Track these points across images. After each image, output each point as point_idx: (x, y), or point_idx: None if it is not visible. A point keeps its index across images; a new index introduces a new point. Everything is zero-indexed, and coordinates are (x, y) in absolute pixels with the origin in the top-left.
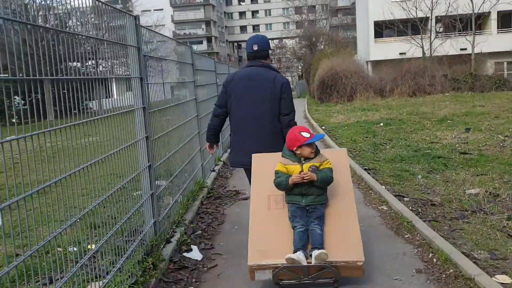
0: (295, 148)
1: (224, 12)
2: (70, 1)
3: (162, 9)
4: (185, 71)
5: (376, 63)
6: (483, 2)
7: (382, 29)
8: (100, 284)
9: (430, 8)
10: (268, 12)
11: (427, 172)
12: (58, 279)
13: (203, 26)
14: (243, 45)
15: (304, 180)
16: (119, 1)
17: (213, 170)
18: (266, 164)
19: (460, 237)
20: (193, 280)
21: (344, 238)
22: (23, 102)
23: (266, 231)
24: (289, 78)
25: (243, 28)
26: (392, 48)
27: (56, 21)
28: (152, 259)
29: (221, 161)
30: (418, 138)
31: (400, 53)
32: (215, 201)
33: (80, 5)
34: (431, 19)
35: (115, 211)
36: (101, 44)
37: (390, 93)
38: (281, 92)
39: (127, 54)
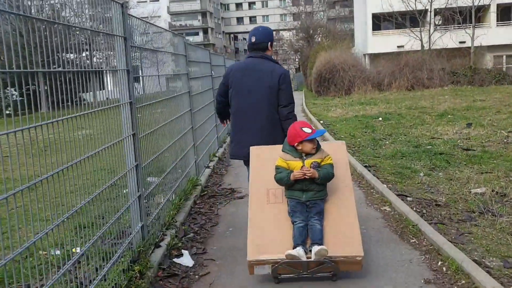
0: (296, 143)
1: (221, 3)
2: None
3: (158, 0)
4: (177, 63)
5: (374, 56)
6: None
7: (380, 21)
8: None
9: (430, 0)
10: (265, 4)
11: (429, 170)
12: None
13: (199, 18)
14: (240, 36)
15: (306, 177)
16: None
17: (208, 167)
18: (264, 157)
19: (470, 242)
20: None
21: (343, 233)
22: (15, 94)
23: (265, 225)
24: None
25: (239, 20)
26: (390, 41)
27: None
28: (139, 267)
29: (216, 156)
30: (418, 133)
31: (398, 46)
32: (209, 200)
33: None
34: (430, 12)
35: (103, 210)
36: (83, 34)
37: (388, 87)
38: (280, 83)
39: (113, 45)
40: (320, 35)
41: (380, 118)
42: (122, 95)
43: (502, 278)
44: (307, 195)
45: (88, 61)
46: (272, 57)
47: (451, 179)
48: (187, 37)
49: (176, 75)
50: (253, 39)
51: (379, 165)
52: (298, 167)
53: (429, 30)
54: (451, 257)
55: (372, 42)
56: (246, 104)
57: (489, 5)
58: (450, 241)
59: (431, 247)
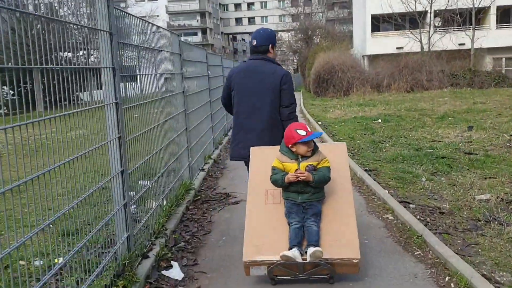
0: (290, 145)
1: (220, 4)
2: None
3: (157, 0)
4: (171, 61)
5: (373, 58)
6: None
7: (379, 22)
8: None
9: (430, 2)
10: (263, 4)
11: (431, 174)
12: None
13: (198, 18)
14: (238, 37)
15: (299, 179)
16: None
17: (202, 169)
18: (265, 158)
19: (477, 254)
20: None
21: (340, 235)
22: (11, 92)
23: (262, 226)
24: None
25: (238, 20)
26: (389, 43)
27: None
28: (124, 281)
29: (211, 159)
30: (418, 136)
31: (397, 48)
32: (202, 205)
33: None
34: (430, 13)
35: (91, 215)
36: (63, 27)
37: (387, 88)
38: (281, 83)
39: (96, 41)
40: (319, 36)
41: (380, 120)
42: (107, 95)
43: None
44: (303, 197)
45: (81, 60)
46: (276, 58)
47: (454, 185)
48: (185, 37)
49: (170, 75)
50: (254, 42)
51: (380, 169)
52: (294, 169)
53: (429, 32)
54: (460, 272)
55: (371, 44)
56: (248, 105)
57: (489, 7)
58: (456, 253)
59: (437, 260)
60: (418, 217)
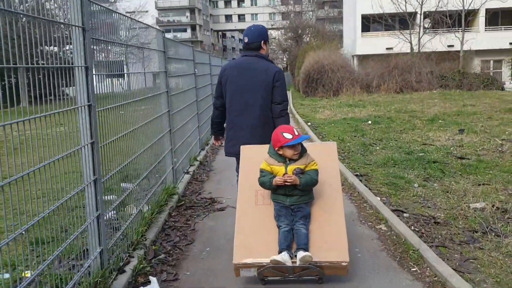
0: (277, 148)
1: (209, 0)
2: None
3: None
4: (154, 59)
5: (363, 58)
6: None
7: (369, 23)
8: None
9: (420, 3)
10: (254, 2)
11: (424, 180)
12: None
13: (187, 14)
14: (228, 34)
15: (286, 183)
16: None
17: (187, 172)
18: (255, 157)
19: (477, 271)
20: None
21: (329, 238)
22: None
23: (252, 228)
24: None
25: (228, 17)
26: (379, 43)
27: None
28: None
29: (197, 160)
30: (409, 138)
31: (387, 48)
32: (186, 212)
33: None
34: (421, 14)
35: (67, 221)
36: (29, 22)
37: (376, 89)
38: (274, 80)
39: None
40: (309, 35)
41: (370, 122)
42: (79, 96)
43: None
44: (291, 200)
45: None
46: (268, 54)
47: (447, 191)
48: (174, 34)
49: (151, 74)
50: (246, 40)
51: (371, 174)
52: (281, 172)
53: (419, 33)
54: None
55: (361, 43)
56: (240, 102)
57: (478, 10)
58: (455, 269)
59: (436, 278)
60: (412, 227)
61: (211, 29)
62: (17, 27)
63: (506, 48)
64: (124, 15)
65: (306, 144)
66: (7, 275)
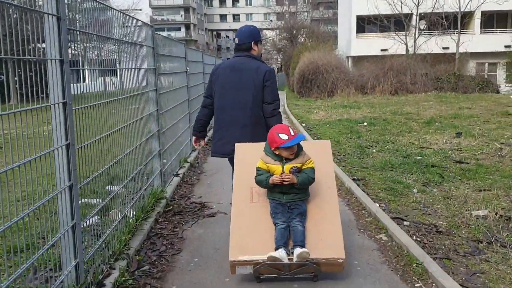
0: (273, 148)
1: (204, 0)
2: None
3: None
4: (141, 56)
5: (357, 59)
6: (470, 0)
7: (365, 23)
8: None
9: (416, 4)
10: (249, 2)
11: (423, 185)
12: None
13: (182, 13)
14: (223, 34)
15: (284, 183)
16: None
17: (177, 175)
18: (249, 155)
19: (485, 286)
20: None
21: (325, 235)
22: None
23: (247, 225)
24: None
25: (223, 17)
26: (374, 44)
27: None
28: None
29: (187, 162)
30: (406, 141)
31: (382, 50)
32: (174, 217)
33: None
34: (417, 15)
35: (47, 227)
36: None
37: (371, 90)
38: (264, 80)
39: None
40: (304, 36)
41: (365, 123)
42: (53, 92)
43: None
44: (288, 197)
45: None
46: (261, 53)
47: (447, 197)
48: (168, 32)
49: (136, 70)
50: (237, 41)
51: (368, 178)
52: (278, 171)
53: (415, 34)
54: None
55: (356, 45)
56: (231, 101)
57: (474, 12)
58: (461, 285)
59: None
60: (414, 237)
61: (206, 29)
62: None
63: (501, 51)
64: (103, 4)
65: (300, 143)
66: None
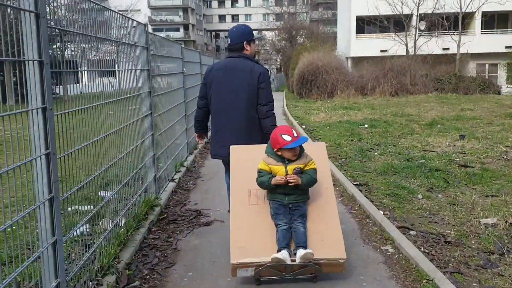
0: (276, 149)
1: (203, 0)
2: None
3: None
4: (133, 56)
5: (357, 60)
6: (471, 1)
7: (364, 24)
8: None
9: (417, 4)
10: (248, 2)
11: (427, 190)
12: None
13: (180, 13)
14: (222, 34)
15: (289, 184)
16: None
17: (172, 180)
18: (245, 157)
19: None
20: None
21: (326, 235)
22: None
23: (247, 227)
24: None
25: (221, 17)
26: (374, 45)
27: None
28: None
29: (184, 166)
30: (408, 144)
31: (382, 51)
32: (168, 226)
33: None
34: (417, 16)
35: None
36: None
37: (371, 91)
38: (259, 81)
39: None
40: (303, 36)
41: (366, 125)
42: (31, 97)
43: None
44: (290, 198)
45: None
46: (255, 53)
47: (453, 204)
48: (167, 33)
49: (127, 71)
50: (229, 41)
51: (371, 184)
52: (281, 172)
53: (415, 35)
54: None
55: (356, 45)
56: (226, 103)
57: (475, 13)
58: None
59: None
60: (422, 248)
61: (204, 29)
62: None
63: (502, 52)
64: (96, 3)
65: None
66: None
